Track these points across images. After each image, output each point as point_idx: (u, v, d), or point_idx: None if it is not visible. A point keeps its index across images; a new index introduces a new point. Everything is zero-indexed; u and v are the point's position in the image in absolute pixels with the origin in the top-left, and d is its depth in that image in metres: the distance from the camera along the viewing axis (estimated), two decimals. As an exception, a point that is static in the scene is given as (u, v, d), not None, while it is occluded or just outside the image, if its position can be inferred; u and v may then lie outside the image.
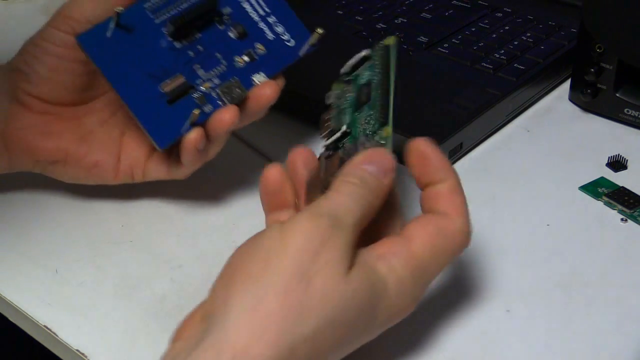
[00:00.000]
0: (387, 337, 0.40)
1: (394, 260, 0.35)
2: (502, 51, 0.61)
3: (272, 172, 0.39)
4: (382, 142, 0.39)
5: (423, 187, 0.38)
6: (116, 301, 0.43)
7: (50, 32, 0.45)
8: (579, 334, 0.40)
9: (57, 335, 0.41)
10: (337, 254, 0.33)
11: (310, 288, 0.32)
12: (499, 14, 0.67)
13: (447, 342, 0.40)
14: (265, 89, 0.44)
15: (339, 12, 0.68)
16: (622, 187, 0.50)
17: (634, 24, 0.53)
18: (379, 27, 0.65)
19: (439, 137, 0.51)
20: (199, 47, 0.45)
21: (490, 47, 0.62)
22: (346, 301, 0.33)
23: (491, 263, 0.45)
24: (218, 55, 0.45)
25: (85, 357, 0.40)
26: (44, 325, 0.41)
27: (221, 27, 0.46)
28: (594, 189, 0.50)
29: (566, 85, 0.60)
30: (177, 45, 0.44)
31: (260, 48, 0.46)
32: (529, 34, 0.63)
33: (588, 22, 0.55)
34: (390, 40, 0.43)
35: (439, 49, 0.62)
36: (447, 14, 0.67)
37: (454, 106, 0.55)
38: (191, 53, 0.45)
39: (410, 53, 0.61)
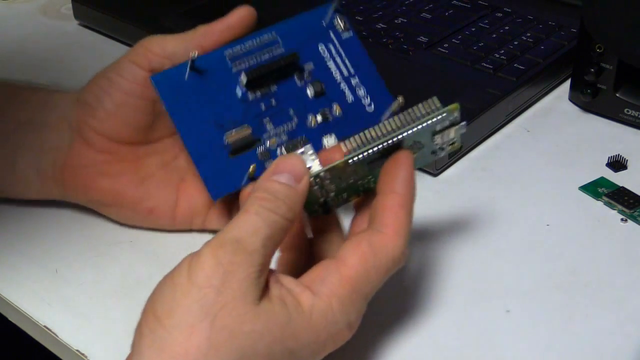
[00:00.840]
0: (386, 337, 0.40)
1: (322, 288, 0.35)
2: (502, 51, 0.61)
3: None
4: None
5: (379, 192, 0.38)
6: (116, 301, 0.43)
7: (126, 65, 0.44)
8: (579, 334, 0.40)
9: (57, 336, 0.41)
10: (242, 285, 0.32)
11: (215, 324, 0.32)
12: (499, 14, 0.67)
13: (447, 342, 0.40)
14: (334, 154, 0.38)
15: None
16: (622, 187, 0.50)
17: (634, 24, 0.53)
18: (379, 27, 0.65)
19: (439, 137, 0.51)
20: (272, 101, 0.43)
21: (490, 47, 0.62)
22: (255, 334, 0.32)
23: (491, 263, 0.45)
24: (291, 111, 0.43)
25: (85, 357, 0.40)
26: (44, 326, 0.41)
27: (299, 83, 0.44)
28: (594, 189, 0.50)
29: (566, 85, 0.60)
30: (250, 96, 0.43)
31: (337, 109, 0.44)
32: (529, 34, 0.63)
33: (588, 22, 0.55)
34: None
35: (439, 49, 0.62)
36: (447, 14, 0.67)
37: (454, 106, 0.55)
38: (263, 106, 0.43)
39: (410, 53, 0.61)
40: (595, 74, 0.56)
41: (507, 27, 0.65)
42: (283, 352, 0.33)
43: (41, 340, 0.42)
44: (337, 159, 0.37)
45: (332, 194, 0.39)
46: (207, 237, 0.35)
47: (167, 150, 0.47)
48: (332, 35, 0.45)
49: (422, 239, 0.47)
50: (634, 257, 0.45)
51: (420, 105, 0.39)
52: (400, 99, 0.43)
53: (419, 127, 0.38)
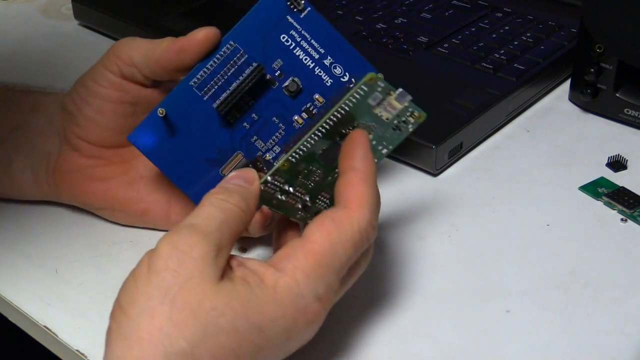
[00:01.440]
0: (386, 336, 0.40)
1: (287, 264, 0.35)
2: (502, 51, 0.61)
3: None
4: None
5: (340, 173, 0.38)
6: (116, 301, 0.43)
7: (100, 71, 0.44)
8: (579, 334, 0.40)
9: (57, 336, 0.41)
10: (199, 264, 0.33)
11: (175, 305, 0.32)
12: (499, 14, 0.67)
13: (447, 341, 0.40)
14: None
15: (339, 12, 0.68)
16: (622, 187, 0.50)
17: (634, 24, 0.53)
18: (379, 27, 0.65)
19: (439, 137, 0.51)
20: (254, 116, 0.42)
21: (490, 47, 0.62)
22: (217, 311, 0.32)
23: (491, 263, 0.45)
24: (275, 119, 0.42)
25: (85, 357, 0.40)
26: (44, 326, 0.41)
27: (274, 86, 0.42)
28: (594, 189, 0.50)
29: (566, 85, 0.60)
30: (231, 119, 0.42)
31: (318, 100, 0.42)
32: (529, 34, 0.63)
33: (588, 22, 0.55)
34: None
35: (439, 49, 0.62)
36: (447, 14, 0.67)
37: (454, 106, 0.55)
38: (246, 125, 0.42)
39: (410, 53, 0.61)
40: (595, 74, 0.56)
41: (507, 27, 0.65)
42: (249, 327, 0.33)
43: (41, 340, 0.42)
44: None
45: (307, 198, 0.39)
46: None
47: None
48: (290, 19, 0.41)
49: (422, 239, 0.47)
50: (634, 257, 0.45)
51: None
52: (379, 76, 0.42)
53: (342, 108, 0.39)
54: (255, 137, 0.42)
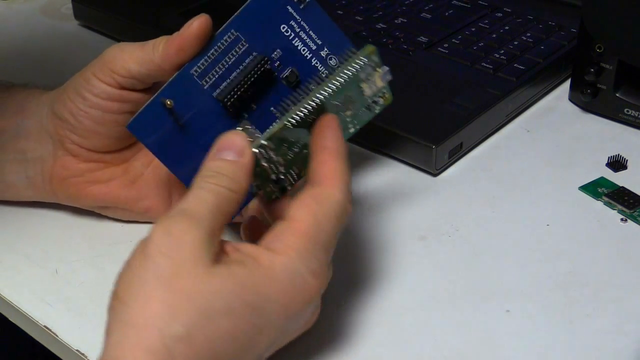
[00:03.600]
0: (386, 336, 0.40)
1: (279, 244, 0.35)
2: (502, 51, 0.61)
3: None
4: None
5: (312, 153, 0.39)
6: (116, 301, 0.43)
7: (95, 83, 0.43)
8: (578, 334, 0.40)
9: (57, 336, 0.41)
10: (192, 248, 0.33)
11: (170, 289, 0.32)
12: (499, 14, 0.67)
13: (447, 341, 0.40)
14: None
15: (339, 12, 0.68)
16: (622, 187, 0.50)
17: (634, 24, 0.53)
18: (379, 27, 0.65)
19: (439, 137, 0.51)
20: (252, 106, 0.42)
21: (490, 47, 0.62)
22: (212, 294, 0.32)
23: (491, 263, 0.45)
24: (273, 110, 0.42)
25: (85, 357, 0.40)
26: (44, 326, 0.41)
27: (273, 77, 0.42)
28: (594, 189, 0.50)
29: (566, 85, 0.60)
30: (230, 109, 0.42)
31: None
32: (529, 34, 0.63)
33: (588, 22, 0.55)
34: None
35: (439, 49, 0.62)
36: (447, 14, 0.67)
37: (454, 106, 0.55)
38: (245, 114, 0.42)
39: (410, 53, 0.61)
40: (595, 74, 0.56)
41: (507, 27, 0.65)
42: (245, 307, 0.33)
43: (41, 340, 0.42)
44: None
45: (282, 169, 0.39)
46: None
47: None
48: (290, 10, 0.42)
49: (422, 239, 0.47)
50: (634, 257, 0.45)
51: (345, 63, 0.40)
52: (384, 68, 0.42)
53: (344, 76, 0.40)
54: (254, 127, 0.42)
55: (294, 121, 0.39)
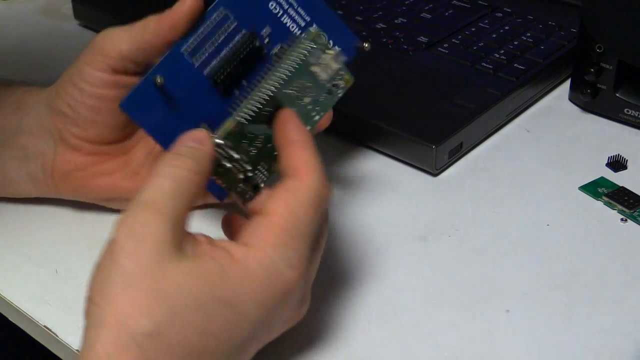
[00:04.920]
0: (386, 336, 0.40)
1: (254, 239, 0.35)
2: (502, 51, 0.61)
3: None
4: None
5: (278, 149, 0.39)
6: (116, 301, 0.43)
7: (89, 71, 0.43)
8: (579, 334, 0.40)
9: (57, 336, 0.41)
10: (156, 244, 0.33)
11: (138, 288, 0.32)
12: (499, 14, 0.67)
13: (447, 341, 0.40)
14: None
15: (339, 12, 0.68)
16: (622, 187, 0.50)
17: (634, 24, 0.53)
18: (378, 27, 0.65)
19: (439, 137, 0.51)
20: (243, 82, 0.42)
21: (490, 47, 0.62)
22: (181, 290, 0.32)
23: (491, 263, 0.45)
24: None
25: (85, 357, 0.39)
26: (44, 326, 0.41)
27: (263, 53, 0.42)
28: (594, 189, 0.50)
29: (566, 85, 0.60)
30: (221, 87, 0.42)
31: None
32: (529, 34, 0.63)
33: (588, 22, 0.55)
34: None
35: (439, 49, 0.62)
36: (447, 14, 0.67)
37: (454, 106, 0.55)
38: (236, 91, 0.42)
39: (410, 53, 0.61)
40: (595, 74, 0.56)
41: (507, 27, 0.65)
42: (216, 303, 0.33)
43: (41, 340, 0.42)
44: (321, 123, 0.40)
45: (249, 167, 0.39)
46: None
47: (148, 137, 0.47)
48: None
49: (423, 239, 0.47)
50: (634, 257, 0.45)
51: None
52: (366, 44, 0.42)
53: (291, 63, 0.39)
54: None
55: (247, 116, 0.39)
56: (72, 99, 0.44)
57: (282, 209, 0.36)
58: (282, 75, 0.40)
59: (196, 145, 0.37)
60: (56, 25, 0.73)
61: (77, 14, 0.72)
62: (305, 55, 0.40)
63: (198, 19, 0.41)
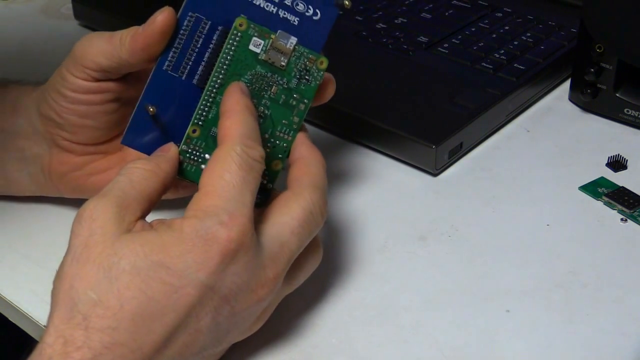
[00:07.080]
0: (385, 336, 0.40)
1: (190, 211, 0.36)
2: (502, 51, 0.61)
3: None
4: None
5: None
6: (116, 301, 0.43)
7: (72, 80, 0.43)
8: (578, 334, 0.40)
9: (57, 335, 0.41)
10: (100, 222, 0.35)
11: (80, 261, 0.34)
12: (499, 14, 0.67)
13: (447, 341, 0.40)
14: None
15: (339, 12, 0.68)
16: (622, 187, 0.50)
17: (634, 24, 0.53)
18: (379, 27, 0.65)
19: (439, 137, 0.51)
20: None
21: (490, 47, 0.62)
22: (115, 256, 0.34)
23: (491, 263, 0.45)
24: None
25: (85, 357, 0.39)
26: (44, 326, 0.41)
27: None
28: (594, 189, 0.50)
29: (566, 85, 0.60)
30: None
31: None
32: (529, 34, 0.63)
33: (588, 22, 0.55)
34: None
35: (439, 49, 0.62)
36: (447, 14, 0.67)
37: (454, 106, 0.55)
38: None
39: (410, 53, 0.61)
40: (595, 74, 0.56)
41: (507, 27, 0.65)
42: (151, 265, 0.34)
43: (41, 340, 0.42)
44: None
45: None
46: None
47: None
48: None
49: (422, 239, 0.47)
50: (634, 257, 0.45)
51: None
52: (346, 1, 0.42)
53: (223, 61, 0.40)
54: None
55: (202, 117, 0.40)
56: (58, 105, 0.44)
57: (208, 178, 0.36)
58: (218, 74, 0.40)
59: (160, 152, 0.40)
60: (56, 25, 0.73)
61: (77, 14, 0.72)
62: (234, 45, 0.40)
63: (173, 32, 0.40)
